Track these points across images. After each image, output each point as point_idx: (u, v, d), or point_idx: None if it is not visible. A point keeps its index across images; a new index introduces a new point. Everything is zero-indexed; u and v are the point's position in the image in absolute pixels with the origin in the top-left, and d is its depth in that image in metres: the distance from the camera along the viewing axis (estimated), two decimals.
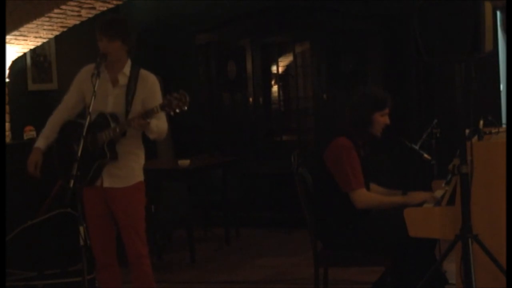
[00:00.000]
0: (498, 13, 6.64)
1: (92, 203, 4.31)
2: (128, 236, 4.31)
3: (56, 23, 6.34)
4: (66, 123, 4.38)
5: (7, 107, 6.74)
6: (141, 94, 4.24)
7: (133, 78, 4.27)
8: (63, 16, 6.23)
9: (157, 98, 4.24)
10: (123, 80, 4.29)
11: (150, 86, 4.27)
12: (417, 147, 4.79)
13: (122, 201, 4.29)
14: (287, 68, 8.14)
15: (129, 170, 4.31)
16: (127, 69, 4.30)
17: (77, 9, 6.18)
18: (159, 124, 4.22)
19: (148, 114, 4.10)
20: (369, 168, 4.57)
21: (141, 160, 4.40)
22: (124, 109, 4.23)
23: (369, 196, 4.36)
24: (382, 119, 4.40)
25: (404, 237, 4.03)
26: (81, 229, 3.83)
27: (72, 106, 4.40)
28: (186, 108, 4.02)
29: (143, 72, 4.33)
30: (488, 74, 6.99)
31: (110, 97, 4.28)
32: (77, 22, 6.45)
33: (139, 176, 4.37)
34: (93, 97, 4.03)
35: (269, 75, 8.10)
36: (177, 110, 4.03)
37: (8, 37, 6.21)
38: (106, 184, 4.29)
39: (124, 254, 4.37)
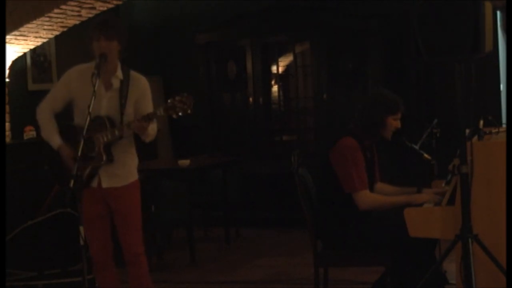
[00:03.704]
0: (498, 13, 6.64)
1: (90, 204, 4.29)
2: (127, 234, 4.31)
3: (56, 23, 6.34)
4: (64, 127, 4.36)
5: (7, 107, 6.74)
6: (133, 96, 4.24)
7: (125, 81, 4.27)
8: (63, 16, 6.23)
9: (148, 99, 4.29)
10: (116, 83, 4.27)
11: (142, 88, 4.28)
12: (417, 147, 4.79)
13: (122, 199, 4.29)
14: (287, 68, 8.14)
15: (127, 169, 4.33)
16: (119, 72, 4.29)
17: (77, 9, 6.18)
18: (153, 127, 4.25)
19: (150, 117, 4.09)
20: (375, 169, 4.58)
21: (136, 158, 4.43)
22: (119, 112, 4.22)
23: (372, 197, 4.36)
24: (394, 122, 4.41)
25: (404, 237, 4.03)
26: (81, 229, 3.83)
27: (58, 103, 4.33)
28: (189, 111, 4.00)
29: (134, 74, 4.33)
30: (488, 74, 6.99)
31: (103, 100, 4.24)
32: (77, 22, 6.45)
33: (136, 175, 4.40)
34: (93, 97, 4.01)
35: (269, 75, 8.10)
36: (180, 114, 4.02)
37: (8, 37, 6.22)
38: (105, 184, 4.29)
39: (120, 254, 4.37)
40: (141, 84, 4.30)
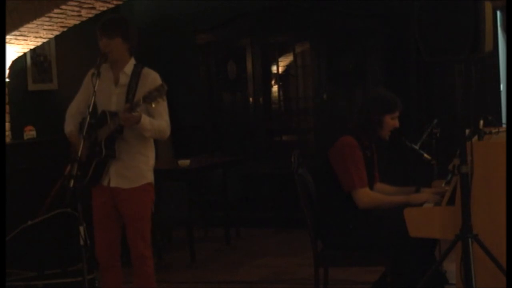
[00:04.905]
0: (498, 13, 6.65)
1: (99, 202, 4.31)
2: (132, 237, 4.31)
3: (56, 23, 6.34)
4: (81, 124, 4.38)
5: (7, 107, 6.74)
6: (141, 92, 4.21)
7: (135, 77, 4.27)
8: (63, 16, 6.23)
9: None
10: (124, 79, 4.29)
11: (150, 83, 4.24)
12: (417, 147, 4.79)
13: (128, 201, 4.28)
14: (287, 68, 8.13)
15: (137, 171, 4.29)
16: (128, 68, 4.30)
17: (77, 9, 6.17)
18: (155, 122, 4.21)
19: (132, 107, 4.08)
20: (374, 168, 4.57)
21: (151, 161, 4.38)
22: None
23: (372, 195, 4.36)
24: (392, 122, 4.40)
25: (404, 237, 4.03)
26: (81, 229, 3.83)
27: (83, 106, 4.39)
28: (160, 100, 4.03)
29: (146, 71, 4.33)
30: (488, 74, 6.99)
31: (113, 96, 4.29)
32: (77, 22, 6.45)
33: (147, 178, 4.35)
34: (93, 97, 4.04)
35: (269, 75, 8.10)
36: (159, 100, 4.02)
37: (8, 37, 6.21)
38: (113, 184, 4.29)
39: (127, 254, 4.37)
40: (149, 80, 4.26)
